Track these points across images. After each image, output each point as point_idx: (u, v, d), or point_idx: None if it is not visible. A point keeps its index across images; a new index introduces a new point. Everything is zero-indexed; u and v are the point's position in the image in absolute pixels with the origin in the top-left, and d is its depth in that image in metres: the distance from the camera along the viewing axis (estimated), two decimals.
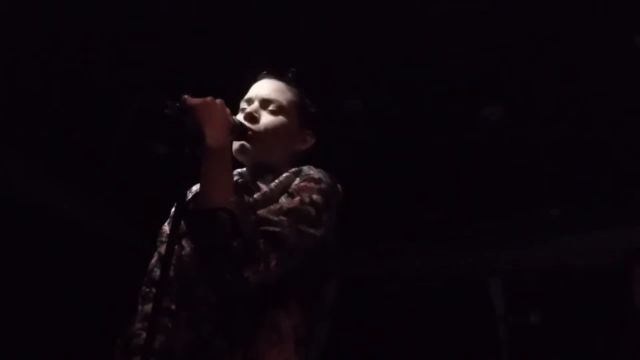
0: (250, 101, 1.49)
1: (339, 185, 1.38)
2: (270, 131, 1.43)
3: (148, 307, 1.30)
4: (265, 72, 1.54)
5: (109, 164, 3.37)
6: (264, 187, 1.38)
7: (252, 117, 1.43)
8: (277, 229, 1.20)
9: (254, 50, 2.69)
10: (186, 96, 1.25)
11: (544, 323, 4.32)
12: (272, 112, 1.45)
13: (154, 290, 1.33)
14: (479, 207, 4.12)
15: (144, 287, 1.37)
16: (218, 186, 1.23)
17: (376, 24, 2.54)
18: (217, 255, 1.16)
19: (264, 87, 1.51)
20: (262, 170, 1.44)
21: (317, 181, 1.33)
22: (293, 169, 1.39)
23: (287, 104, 1.48)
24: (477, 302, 4.64)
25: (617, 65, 2.71)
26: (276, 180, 1.37)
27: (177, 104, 1.22)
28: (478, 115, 3.11)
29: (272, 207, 1.26)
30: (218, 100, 1.29)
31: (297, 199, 1.28)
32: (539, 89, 2.96)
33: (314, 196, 1.29)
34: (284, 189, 1.33)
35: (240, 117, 1.44)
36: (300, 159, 1.48)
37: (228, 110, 1.32)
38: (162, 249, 1.36)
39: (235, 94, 1.50)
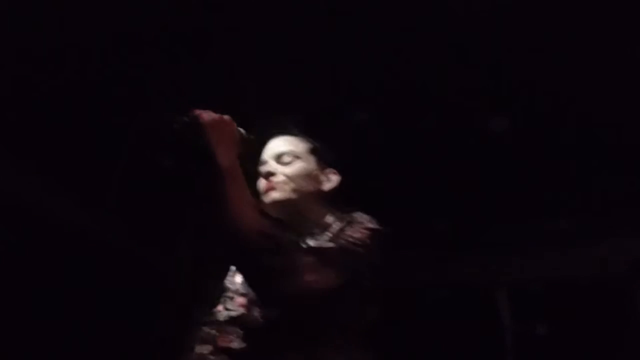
0: (265, 162, 1.51)
1: (385, 231, 1.40)
2: (291, 178, 1.45)
3: (204, 348, 1.30)
4: (273, 132, 1.58)
5: (116, 177, 3.38)
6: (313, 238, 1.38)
7: (270, 174, 1.46)
8: (323, 246, 1.26)
9: (259, 61, 2.71)
10: (197, 112, 1.26)
11: (550, 333, 4.29)
12: (288, 163, 1.49)
13: (215, 332, 1.32)
14: (484, 218, 4.11)
15: (204, 328, 1.35)
16: (243, 206, 1.23)
17: (386, 35, 2.56)
18: (263, 275, 1.19)
19: (275, 145, 1.55)
20: (300, 221, 1.43)
21: (367, 227, 1.36)
22: (344, 216, 1.41)
23: (301, 150, 1.53)
24: (483, 312, 4.61)
25: (626, 75, 2.71)
26: (328, 233, 1.37)
27: (186, 119, 1.22)
28: (485, 126, 3.12)
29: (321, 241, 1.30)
30: (226, 117, 1.30)
31: (346, 240, 1.32)
32: (545, 100, 2.96)
33: (364, 239, 1.33)
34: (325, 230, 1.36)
35: (260, 182, 1.46)
36: (333, 199, 1.51)
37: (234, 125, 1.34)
38: (230, 304, 1.36)
39: (240, 107, 1.51)
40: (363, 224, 1.36)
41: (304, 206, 1.44)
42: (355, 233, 1.33)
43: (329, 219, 1.41)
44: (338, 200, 1.51)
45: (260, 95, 2.61)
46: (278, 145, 1.53)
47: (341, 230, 1.35)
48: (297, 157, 1.50)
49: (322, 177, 1.52)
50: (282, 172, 1.46)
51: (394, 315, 4.70)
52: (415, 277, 4.85)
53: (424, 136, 3.26)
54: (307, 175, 1.48)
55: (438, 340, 4.56)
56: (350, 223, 1.37)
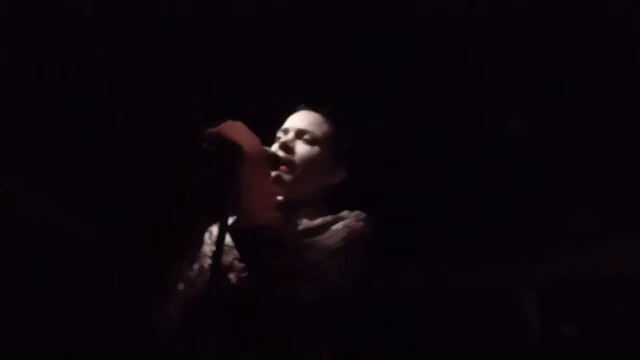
0: (286, 131, 1.51)
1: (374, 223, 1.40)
2: (304, 161, 1.44)
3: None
4: (302, 104, 1.58)
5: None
6: (303, 222, 1.39)
7: (287, 147, 1.45)
8: (324, 245, 1.27)
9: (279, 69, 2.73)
10: (208, 130, 1.23)
11: (579, 335, 4.23)
12: (307, 142, 1.47)
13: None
14: (511, 219, 4.08)
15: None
16: (259, 199, 1.22)
17: (399, 42, 2.55)
18: (266, 273, 1.17)
19: (301, 118, 1.53)
20: (296, 204, 1.43)
21: (360, 221, 1.36)
22: (332, 216, 1.39)
23: (322, 136, 1.50)
24: (511, 315, 4.56)
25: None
26: (314, 222, 1.38)
27: (208, 137, 1.20)
28: (508, 127, 3.10)
29: (316, 239, 1.30)
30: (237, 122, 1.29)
31: (342, 235, 1.32)
32: (567, 101, 2.94)
33: (358, 236, 1.33)
34: (323, 229, 1.35)
35: (275, 146, 1.46)
36: (330, 193, 1.51)
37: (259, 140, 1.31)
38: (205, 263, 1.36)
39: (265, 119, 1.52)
40: (353, 217, 1.36)
41: (304, 190, 1.44)
42: (352, 223, 1.34)
43: (317, 204, 1.43)
44: (334, 192, 1.52)
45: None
46: (304, 120, 1.51)
47: (326, 222, 1.36)
48: (317, 141, 1.48)
49: (332, 169, 1.51)
50: (298, 150, 1.45)
51: (421, 320, 4.70)
52: (442, 280, 4.83)
53: (446, 140, 3.24)
54: (320, 163, 1.47)
55: (465, 345, 4.52)
56: (338, 219, 1.36)
